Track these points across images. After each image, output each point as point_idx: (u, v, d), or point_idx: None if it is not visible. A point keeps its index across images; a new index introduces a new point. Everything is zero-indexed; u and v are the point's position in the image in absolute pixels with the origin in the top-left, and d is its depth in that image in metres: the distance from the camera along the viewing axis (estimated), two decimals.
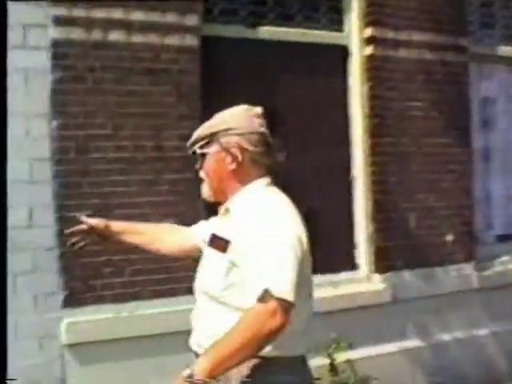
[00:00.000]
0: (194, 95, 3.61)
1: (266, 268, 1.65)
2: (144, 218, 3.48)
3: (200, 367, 1.59)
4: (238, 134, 1.86)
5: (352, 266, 4.28)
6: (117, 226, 2.29)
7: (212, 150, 1.88)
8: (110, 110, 3.45)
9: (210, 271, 1.87)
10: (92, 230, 2.25)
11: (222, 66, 3.85)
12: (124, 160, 3.50)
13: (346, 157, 4.28)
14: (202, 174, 1.96)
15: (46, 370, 3.26)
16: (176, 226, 2.36)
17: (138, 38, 3.49)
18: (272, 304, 1.59)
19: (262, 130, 1.88)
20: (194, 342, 1.89)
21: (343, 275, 4.20)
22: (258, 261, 1.67)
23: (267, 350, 1.68)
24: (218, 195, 1.94)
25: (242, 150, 1.85)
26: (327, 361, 3.70)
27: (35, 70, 3.26)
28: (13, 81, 3.12)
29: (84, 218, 2.25)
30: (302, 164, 4.04)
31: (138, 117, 3.53)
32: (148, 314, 3.52)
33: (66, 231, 2.29)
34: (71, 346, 3.31)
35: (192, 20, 3.62)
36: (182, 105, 3.59)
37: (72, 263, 3.33)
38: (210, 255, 1.89)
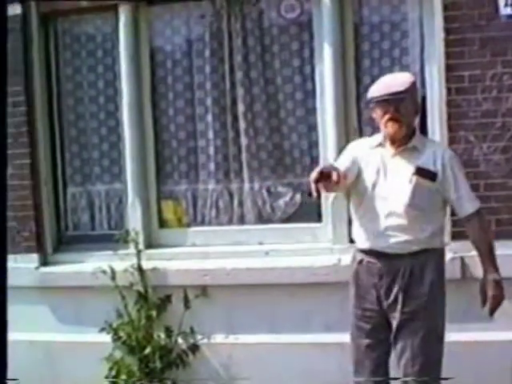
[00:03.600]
0: None
1: (471, 191, 3.17)
2: None
3: (495, 269, 3.13)
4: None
5: None
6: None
7: (412, 100, 3.14)
8: None
9: (420, 194, 3.08)
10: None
11: None
12: None
13: None
14: (398, 116, 3.08)
15: None
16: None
17: None
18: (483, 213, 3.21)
19: None
20: (399, 245, 3.10)
21: None
22: (462, 188, 3.13)
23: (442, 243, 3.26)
24: (406, 135, 3.14)
25: None
26: None
27: None
28: None
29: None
30: None
31: None
32: None
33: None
34: None
35: None
36: None
37: None
38: (416, 183, 3.08)
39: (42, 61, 4.62)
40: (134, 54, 4.47)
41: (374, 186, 3.17)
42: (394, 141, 3.17)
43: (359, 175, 3.22)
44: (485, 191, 3.83)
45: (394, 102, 3.09)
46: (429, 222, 3.13)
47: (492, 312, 3.17)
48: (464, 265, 3.84)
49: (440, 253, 3.23)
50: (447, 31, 3.84)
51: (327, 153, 4.15)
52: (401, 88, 3.09)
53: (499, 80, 3.77)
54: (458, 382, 3.35)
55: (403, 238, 3.11)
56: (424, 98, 4.06)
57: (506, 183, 3.83)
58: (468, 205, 3.14)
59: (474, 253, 3.70)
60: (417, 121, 3.34)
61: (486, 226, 3.23)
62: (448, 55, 3.85)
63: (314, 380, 3.94)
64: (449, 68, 3.85)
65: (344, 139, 4.07)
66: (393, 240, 3.12)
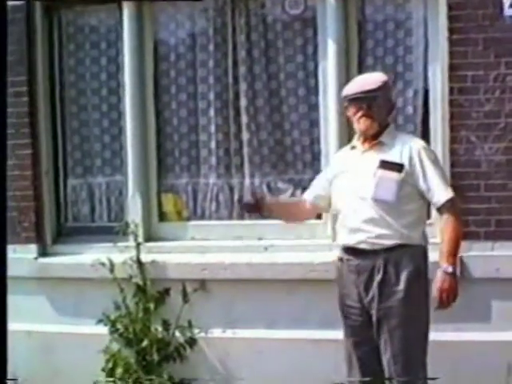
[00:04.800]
0: None
1: (443, 182, 3.15)
2: None
3: (451, 262, 3.06)
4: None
5: None
6: (270, 201, 3.69)
7: (385, 98, 3.23)
8: None
9: (385, 187, 3.10)
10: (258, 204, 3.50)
11: None
12: None
13: None
14: (371, 114, 3.18)
15: None
16: (303, 199, 3.58)
17: None
18: (458, 205, 3.20)
19: None
20: (371, 240, 3.14)
21: None
22: (432, 178, 3.13)
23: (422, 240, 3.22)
24: (378, 132, 3.22)
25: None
26: None
27: None
28: None
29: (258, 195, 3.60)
30: None
31: None
32: None
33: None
34: None
35: None
36: None
37: None
38: (380, 175, 3.12)
39: (46, 51, 4.64)
40: (138, 47, 4.50)
41: (345, 184, 3.28)
42: (366, 138, 3.27)
43: (333, 181, 3.39)
44: (485, 192, 3.86)
45: (366, 100, 3.19)
46: (400, 215, 3.14)
47: (438, 306, 3.10)
48: (463, 264, 3.83)
49: (419, 250, 3.20)
50: (451, 31, 3.87)
51: (329, 149, 4.18)
52: (373, 86, 3.21)
53: (502, 81, 3.78)
54: (454, 382, 3.38)
55: (375, 232, 3.15)
56: (426, 97, 4.09)
57: (507, 184, 3.84)
58: (438, 195, 3.14)
59: (473, 252, 3.77)
60: (393, 118, 3.47)
61: (456, 219, 3.14)
62: (451, 55, 3.87)
63: (310, 375, 3.97)
64: (452, 67, 3.88)
65: (346, 136, 4.08)
66: (365, 235, 3.17)
